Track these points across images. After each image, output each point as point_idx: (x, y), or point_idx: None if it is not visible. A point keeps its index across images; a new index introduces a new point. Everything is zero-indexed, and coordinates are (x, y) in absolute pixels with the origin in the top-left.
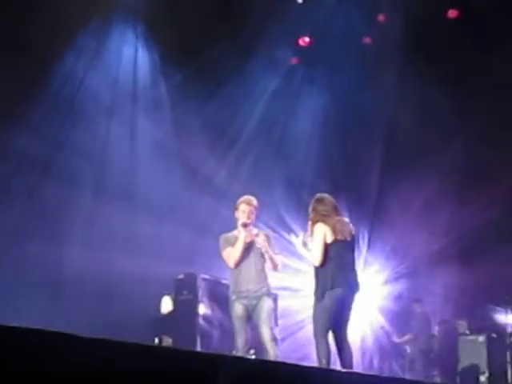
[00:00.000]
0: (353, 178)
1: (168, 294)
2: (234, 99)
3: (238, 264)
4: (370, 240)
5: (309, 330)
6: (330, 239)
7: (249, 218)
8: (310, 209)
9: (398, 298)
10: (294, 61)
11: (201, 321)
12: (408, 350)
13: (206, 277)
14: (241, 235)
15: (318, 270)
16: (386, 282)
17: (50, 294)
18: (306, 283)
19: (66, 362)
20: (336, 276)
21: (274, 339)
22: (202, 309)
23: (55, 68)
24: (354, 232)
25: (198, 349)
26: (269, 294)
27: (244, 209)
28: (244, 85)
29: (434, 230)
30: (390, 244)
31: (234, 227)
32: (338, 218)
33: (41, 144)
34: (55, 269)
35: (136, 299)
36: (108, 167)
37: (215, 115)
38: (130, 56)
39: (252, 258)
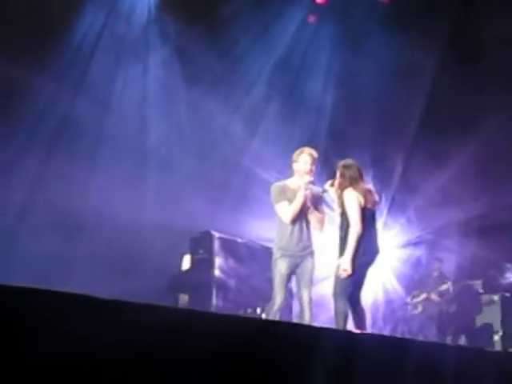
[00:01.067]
0: (380, 143)
1: (189, 253)
2: (247, 56)
3: (294, 220)
4: (392, 203)
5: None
6: (361, 205)
7: (312, 170)
8: (338, 174)
9: (416, 263)
10: (311, 18)
11: (216, 279)
12: (420, 309)
13: (222, 235)
14: (301, 190)
15: (345, 235)
16: (404, 245)
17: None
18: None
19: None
20: (362, 244)
21: (311, 301)
22: (218, 268)
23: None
24: (378, 200)
25: (213, 307)
26: (312, 254)
27: (307, 160)
28: (258, 42)
29: (458, 203)
30: (412, 210)
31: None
32: (365, 185)
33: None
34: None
35: (155, 256)
36: (119, 118)
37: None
38: (142, 12)
39: (303, 215)
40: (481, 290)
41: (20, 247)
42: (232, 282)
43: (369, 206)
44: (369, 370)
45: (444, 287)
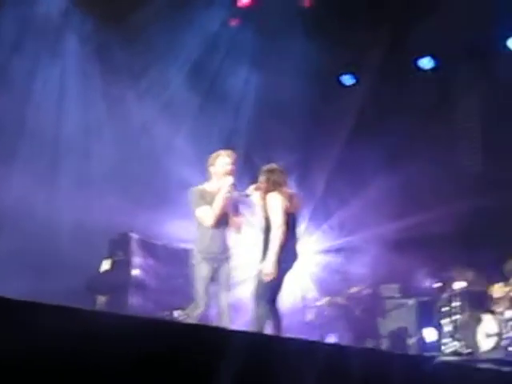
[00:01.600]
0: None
1: (108, 254)
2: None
3: (216, 224)
4: (315, 209)
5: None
6: (285, 209)
7: (233, 171)
8: (262, 178)
9: (334, 270)
10: (233, 22)
11: (135, 281)
12: (326, 312)
13: (141, 237)
14: (222, 192)
15: (268, 238)
16: (324, 251)
17: None
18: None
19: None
20: (285, 251)
21: (229, 305)
22: (136, 270)
23: None
24: (301, 205)
25: (132, 309)
26: (229, 258)
27: (226, 161)
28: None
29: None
30: (336, 217)
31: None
32: (289, 189)
33: None
34: None
35: (73, 255)
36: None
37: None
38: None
39: (223, 218)
40: (396, 295)
41: None
42: (151, 283)
43: (292, 210)
44: (287, 374)
45: (348, 291)
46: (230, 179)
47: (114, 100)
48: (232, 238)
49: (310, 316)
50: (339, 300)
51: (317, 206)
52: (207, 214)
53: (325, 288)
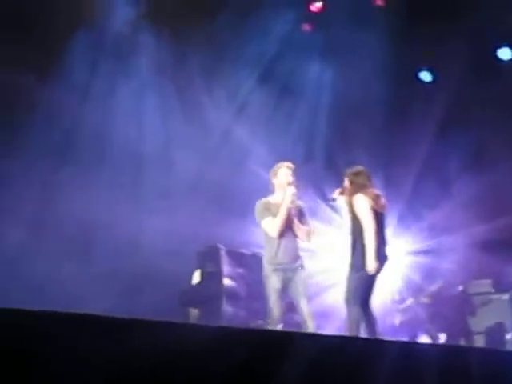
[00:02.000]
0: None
1: (197, 267)
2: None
3: (280, 233)
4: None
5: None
6: (372, 209)
7: (293, 182)
8: (347, 181)
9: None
10: (307, 27)
11: (226, 293)
12: (415, 313)
13: (230, 249)
14: (285, 202)
15: (354, 240)
16: (414, 253)
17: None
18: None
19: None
20: (376, 250)
21: (311, 312)
22: (227, 281)
23: None
24: (386, 204)
25: (225, 319)
26: (303, 265)
27: (286, 172)
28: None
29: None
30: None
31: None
32: (374, 190)
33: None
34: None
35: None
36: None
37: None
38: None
39: (290, 228)
40: (491, 290)
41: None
42: (242, 293)
43: (379, 210)
44: (389, 376)
45: (433, 290)
46: (292, 189)
47: (191, 109)
48: (301, 246)
49: (400, 318)
50: (425, 300)
51: (404, 207)
52: (272, 225)
53: (414, 288)
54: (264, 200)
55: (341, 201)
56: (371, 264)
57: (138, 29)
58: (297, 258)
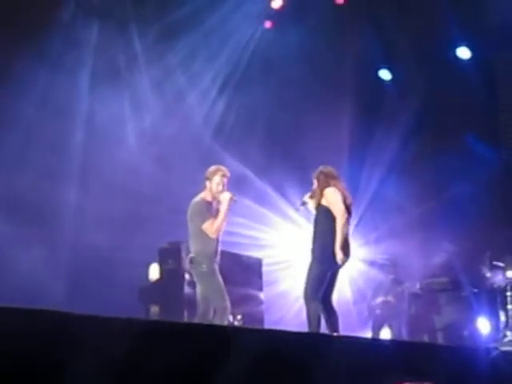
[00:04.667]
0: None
1: (156, 262)
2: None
3: (218, 234)
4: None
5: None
6: (343, 200)
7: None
8: (316, 181)
9: (372, 263)
10: (268, 24)
11: (187, 290)
12: (378, 311)
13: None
14: (224, 206)
15: (320, 232)
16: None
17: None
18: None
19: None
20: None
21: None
22: (188, 278)
23: None
24: (352, 201)
25: (185, 318)
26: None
27: (221, 181)
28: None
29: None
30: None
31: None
32: (343, 185)
33: None
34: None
35: (122, 267)
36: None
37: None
38: None
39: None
40: (449, 287)
41: None
42: None
43: (347, 202)
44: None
45: (399, 289)
46: (228, 194)
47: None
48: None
49: (369, 313)
50: (391, 299)
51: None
52: (213, 227)
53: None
54: (200, 199)
55: (310, 205)
56: (339, 254)
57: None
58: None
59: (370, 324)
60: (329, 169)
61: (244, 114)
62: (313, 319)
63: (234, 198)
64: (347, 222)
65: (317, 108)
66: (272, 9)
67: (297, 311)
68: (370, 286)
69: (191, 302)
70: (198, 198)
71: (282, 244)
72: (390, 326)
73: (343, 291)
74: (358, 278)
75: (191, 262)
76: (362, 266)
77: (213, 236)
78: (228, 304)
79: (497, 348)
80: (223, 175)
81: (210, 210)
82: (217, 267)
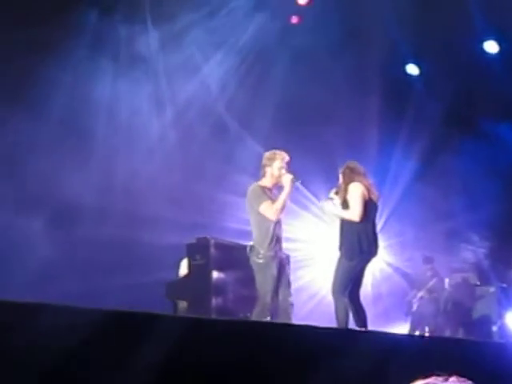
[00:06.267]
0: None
1: (186, 259)
2: None
3: (278, 217)
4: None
5: None
6: (366, 198)
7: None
8: (342, 176)
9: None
10: (294, 20)
11: (214, 285)
12: (415, 308)
13: (219, 241)
14: (286, 188)
15: (350, 228)
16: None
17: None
18: None
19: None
20: (367, 239)
21: (292, 304)
22: (216, 273)
23: None
24: (379, 195)
25: (213, 313)
26: (288, 254)
27: (282, 166)
28: None
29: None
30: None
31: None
32: (368, 180)
33: None
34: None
35: (152, 261)
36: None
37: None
38: None
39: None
40: (477, 282)
41: None
42: (230, 286)
43: (373, 199)
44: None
45: (436, 283)
46: (290, 176)
47: None
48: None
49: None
50: (429, 295)
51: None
52: (272, 209)
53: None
54: (258, 184)
55: (336, 201)
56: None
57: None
58: (282, 246)
59: (409, 320)
60: (355, 164)
61: (269, 106)
62: (341, 315)
63: (296, 180)
64: (374, 217)
65: (343, 102)
66: (298, 4)
67: (324, 307)
68: (406, 282)
69: (218, 298)
70: (254, 185)
71: (305, 239)
72: (429, 325)
73: (377, 287)
74: (393, 275)
75: (250, 250)
76: (393, 263)
77: (272, 218)
78: (269, 301)
79: None
80: (283, 159)
81: (267, 194)
82: (277, 257)
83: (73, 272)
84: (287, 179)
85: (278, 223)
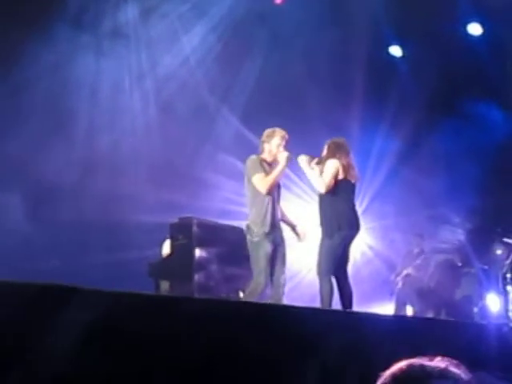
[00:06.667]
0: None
1: (169, 239)
2: None
3: (269, 191)
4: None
5: None
6: (341, 176)
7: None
8: (328, 146)
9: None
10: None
11: (197, 264)
12: (400, 285)
13: (202, 221)
14: (281, 163)
15: (327, 207)
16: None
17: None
18: None
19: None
20: (345, 217)
21: (284, 284)
22: (198, 252)
23: None
24: (359, 176)
25: (195, 293)
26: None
27: (281, 142)
28: None
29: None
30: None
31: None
32: (350, 160)
33: None
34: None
35: (133, 240)
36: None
37: None
38: None
39: (276, 191)
40: (459, 264)
41: None
42: (213, 266)
43: (350, 179)
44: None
45: (423, 261)
46: (286, 153)
47: None
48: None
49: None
50: (413, 272)
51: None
52: (264, 181)
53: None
54: (257, 156)
55: (316, 170)
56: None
57: None
58: (280, 224)
59: (394, 299)
60: (342, 141)
61: (249, 83)
62: (325, 295)
63: (291, 157)
64: (351, 197)
65: (325, 81)
66: None
67: (304, 288)
68: (387, 265)
69: (201, 277)
70: (253, 156)
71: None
72: (413, 304)
73: (358, 269)
74: (374, 258)
75: (246, 229)
76: (375, 246)
77: (262, 190)
78: (262, 280)
79: (507, 324)
80: (282, 136)
81: (264, 166)
82: (272, 234)
83: (53, 250)
84: (283, 156)
85: (273, 201)
